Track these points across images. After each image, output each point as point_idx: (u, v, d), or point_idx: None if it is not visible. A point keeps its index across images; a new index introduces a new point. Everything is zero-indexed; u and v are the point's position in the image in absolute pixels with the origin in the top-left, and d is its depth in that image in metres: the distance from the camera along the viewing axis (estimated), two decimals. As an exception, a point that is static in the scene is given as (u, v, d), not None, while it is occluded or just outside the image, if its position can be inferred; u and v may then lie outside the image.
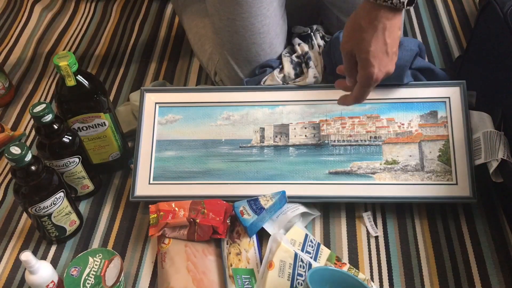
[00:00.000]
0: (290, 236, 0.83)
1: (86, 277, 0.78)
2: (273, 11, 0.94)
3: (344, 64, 0.76)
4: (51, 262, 0.88)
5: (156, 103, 0.97)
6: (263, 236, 0.87)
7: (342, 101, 0.80)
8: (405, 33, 1.21)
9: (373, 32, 0.70)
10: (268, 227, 0.86)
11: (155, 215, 0.86)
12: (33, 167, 0.78)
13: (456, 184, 0.87)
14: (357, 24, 0.71)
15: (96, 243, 0.91)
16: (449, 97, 0.92)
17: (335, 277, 0.72)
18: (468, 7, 1.29)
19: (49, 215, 0.84)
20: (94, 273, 0.79)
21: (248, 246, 0.84)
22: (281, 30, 0.98)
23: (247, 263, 0.82)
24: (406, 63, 0.90)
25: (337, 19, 1.03)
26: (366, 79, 0.72)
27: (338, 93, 0.94)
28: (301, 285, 0.76)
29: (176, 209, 0.85)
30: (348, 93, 0.79)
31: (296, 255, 0.78)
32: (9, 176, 1.03)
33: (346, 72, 0.77)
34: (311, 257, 0.81)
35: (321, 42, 1.00)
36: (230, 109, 0.96)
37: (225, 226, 0.84)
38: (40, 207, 0.82)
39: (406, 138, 0.91)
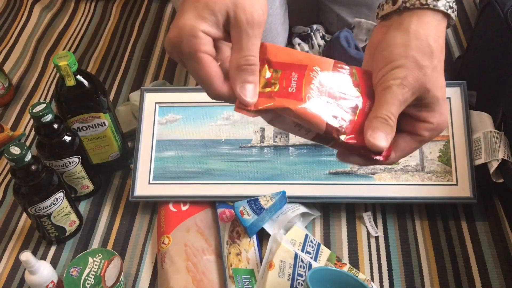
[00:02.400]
0: (290, 236, 0.83)
1: (86, 277, 0.78)
2: (275, 10, 0.94)
3: (394, 112, 0.47)
4: (50, 262, 0.88)
5: (156, 103, 0.97)
6: (263, 236, 0.87)
7: (359, 163, 0.51)
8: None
9: (442, 57, 0.49)
10: (268, 227, 0.86)
11: (268, 71, 0.49)
12: (32, 167, 0.78)
13: (457, 184, 0.87)
14: (426, 46, 0.48)
15: (96, 243, 0.91)
16: (449, 97, 0.91)
17: (335, 277, 0.72)
18: (468, 7, 1.29)
19: (49, 215, 0.84)
20: (94, 273, 0.78)
21: (248, 246, 0.84)
22: (282, 29, 0.98)
23: (247, 263, 0.82)
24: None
25: (337, 18, 1.03)
26: (441, 130, 0.50)
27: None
28: (301, 285, 0.76)
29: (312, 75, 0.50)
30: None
31: (296, 255, 0.77)
32: (9, 176, 1.03)
33: (390, 125, 0.48)
34: (311, 257, 0.81)
35: (321, 42, 1.00)
36: (230, 109, 0.96)
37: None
38: (39, 207, 0.82)
39: (406, 138, 0.91)
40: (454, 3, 0.50)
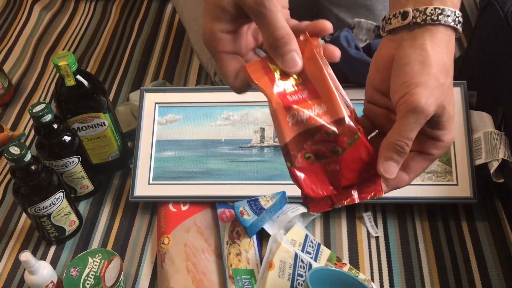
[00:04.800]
0: (290, 236, 0.83)
1: (86, 278, 0.78)
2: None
3: (408, 133, 0.46)
4: (50, 263, 0.88)
5: (155, 103, 0.97)
6: (263, 237, 0.87)
7: (395, 184, 0.49)
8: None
9: (452, 71, 0.48)
10: (268, 227, 0.85)
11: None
12: (32, 167, 0.78)
13: (457, 184, 0.87)
14: (443, 64, 0.47)
15: (95, 243, 0.91)
16: (449, 97, 0.91)
17: (335, 277, 0.72)
18: (468, 7, 1.29)
19: (49, 215, 0.84)
20: (94, 273, 0.78)
21: (248, 246, 0.84)
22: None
23: (247, 263, 0.82)
24: (406, 63, 0.89)
25: (337, 19, 1.02)
26: (449, 145, 0.50)
27: (338, 93, 0.94)
28: (301, 285, 0.76)
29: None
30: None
31: (296, 255, 0.77)
32: (9, 176, 1.03)
33: (404, 145, 0.46)
34: (311, 258, 0.81)
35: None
36: (230, 109, 0.96)
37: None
38: (39, 207, 0.82)
39: (407, 138, 0.91)
40: (461, 17, 0.49)
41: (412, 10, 0.49)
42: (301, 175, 0.46)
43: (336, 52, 0.48)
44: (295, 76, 0.47)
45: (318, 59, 0.47)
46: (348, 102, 0.47)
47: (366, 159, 0.47)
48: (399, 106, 0.46)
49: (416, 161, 0.49)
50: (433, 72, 0.46)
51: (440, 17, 0.48)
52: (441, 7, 0.48)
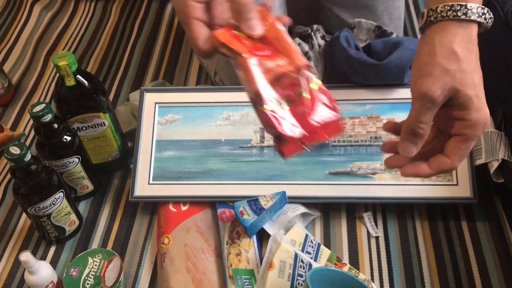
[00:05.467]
0: (290, 236, 0.83)
1: (86, 278, 0.78)
2: (274, 11, 0.94)
3: (419, 121, 0.53)
4: (50, 263, 0.88)
5: (156, 103, 0.97)
6: (263, 237, 0.87)
7: (415, 172, 0.56)
8: (405, 33, 1.21)
9: (471, 58, 0.53)
10: (268, 227, 0.85)
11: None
12: (32, 167, 0.78)
13: (457, 184, 0.87)
14: (452, 52, 0.52)
15: (95, 243, 0.91)
16: (449, 97, 0.91)
17: (335, 277, 0.72)
18: (468, 7, 1.29)
19: (49, 215, 0.84)
20: (94, 273, 0.78)
21: (248, 246, 0.84)
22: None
23: (247, 263, 0.82)
24: (406, 63, 0.89)
25: (337, 19, 1.03)
26: (482, 126, 0.53)
27: (338, 93, 0.94)
28: (301, 285, 0.76)
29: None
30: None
31: (296, 255, 0.77)
32: (9, 176, 1.03)
33: (418, 134, 0.53)
34: (311, 258, 0.81)
35: (322, 42, 0.99)
36: (230, 109, 0.96)
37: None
38: (39, 207, 0.82)
39: (407, 138, 0.91)
40: (480, 8, 0.54)
41: (428, 11, 0.55)
42: (273, 117, 0.53)
43: (287, 20, 0.57)
44: (258, 40, 0.55)
45: (275, 24, 0.56)
46: (304, 58, 0.59)
47: (326, 101, 0.55)
48: (411, 94, 0.54)
49: (452, 143, 0.54)
50: (438, 61, 0.52)
51: (449, 13, 0.53)
52: (450, 3, 0.53)
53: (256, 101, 0.53)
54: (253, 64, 0.53)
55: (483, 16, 0.53)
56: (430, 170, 0.55)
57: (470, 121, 0.53)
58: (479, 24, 0.54)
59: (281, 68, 0.54)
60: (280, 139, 0.53)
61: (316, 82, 0.55)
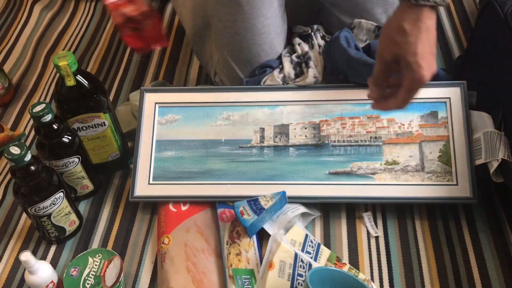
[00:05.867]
0: (290, 236, 0.83)
1: (86, 277, 0.78)
2: (274, 12, 0.94)
3: (377, 72, 0.75)
4: (50, 262, 0.88)
5: (156, 103, 0.97)
6: (263, 236, 0.87)
7: (381, 107, 0.78)
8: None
9: (418, 33, 0.69)
10: (268, 227, 0.86)
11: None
12: (32, 167, 0.78)
13: (457, 184, 0.87)
14: (400, 28, 0.69)
15: (95, 243, 0.91)
16: (449, 98, 0.91)
17: (335, 277, 0.72)
18: (468, 7, 1.29)
19: (49, 215, 0.84)
20: (94, 273, 0.78)
21: (248, 246, 0.84)
22: (281, 30, 0.98)
23: (247, 263, 0.82)
24: (406, 63, 0.90)
25: (337, 20, 1.03)
26: (417, 82, 0.70)
27: (338, 93, 0.94)
28: (301, 285, 0.76)
29: None
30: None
31: (296, 255, 0.77)
32: (9, 176, 1.03)
33: (376, 80, 0.75)
34: (311, 257, 0.81)
35: (322, 42, 0.99)
36: (230, 109, 0.96)
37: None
38: (39, 207, 0.82)
39: (407, 139, 0.91)
40: None
41: None
42: (128, 39, 0.96)
43: None
44: None
45: None
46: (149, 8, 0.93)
47: (156, 29, 0.97)
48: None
49: (401, 90, 0.72)
50: (386, 32, 0.72)
51: None
52: None
53: (120, 30, 0.94)
54: (114, 10, 0.90)
55: (432, 1, 0.67)
56: (386, 106, 0.75)
57: (409, 78, 0.70)
58: (432, 6, 0.68)
59: (131, 12, 0.90)
60: (132, 49, 0.94)
61: (151, 20, 0.94)
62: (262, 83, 0.97)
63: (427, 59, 0.69)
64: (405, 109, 0.92)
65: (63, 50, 1.32)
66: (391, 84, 0.75)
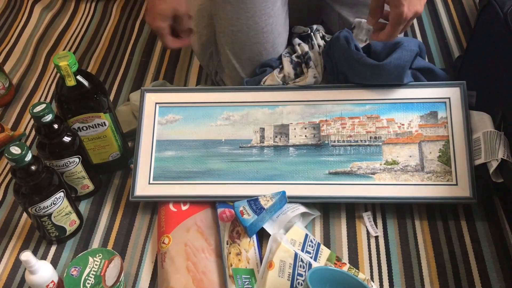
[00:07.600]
0: (290, 236, 0.83)
1: (86, 277, 0.78)
2: (277, 10, 0.94)
3: (371, 3, 0.83)
4: (51, 262, 0.88)
5: (156, 103, 0.97)
6: (263, 236, 0.87)
7: (375, 37, 0.85)
8: (405, 33, 1.21)
9: None
10: (268, 227, 0.86)
11: None
12: (33, 167, 0.78)
13: (456, 184, 0.87)
14: None
15: (96, 243, 0.91)
16: (449, 98, 0.92)
17: (335, 277, 0.72)
18: (468, 7, 1.29)
19: (49, 215, 0.84)
20: (94, 273, 0.79)
21: (248, 246, 0.84)
22: (283, 29, 0.99)
23: (247, 263, 0.82)
24: (406, 63, 0.90)
25: (339, 17, 1.03)
26: (397, 18, 0.78)
27: (337, 93, 0.94)
28: (301, 285, 0.76)
29: None
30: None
31: (296, 255, 0.78)
32: (9, 176, 1.03)
33: (370, 11, 0.83)
34: (311, 257, 0.81)
35: (321, 42, 1.00)
36: (230, 109, 0.96)
37: None
38: (40, 207, 0.82)
39: (406, 139, 0.91)
40: None
41: None
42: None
43: None
44: None
45: None
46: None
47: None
48: None
49: (389, 23, 0.80)
50: None
51: None
52: None
53: None
54: None
55: None
56: (378, 37, 0.82)
57: (391, 13, 0.78)
58: None
59: None
60: None
61: None
62: (262, 83, 0.98)
63: (413, 2, 0.77)
64: (405, 109, 0.92)
65: (64, 50, 1.33)
66: (385, 16, 0.83)
